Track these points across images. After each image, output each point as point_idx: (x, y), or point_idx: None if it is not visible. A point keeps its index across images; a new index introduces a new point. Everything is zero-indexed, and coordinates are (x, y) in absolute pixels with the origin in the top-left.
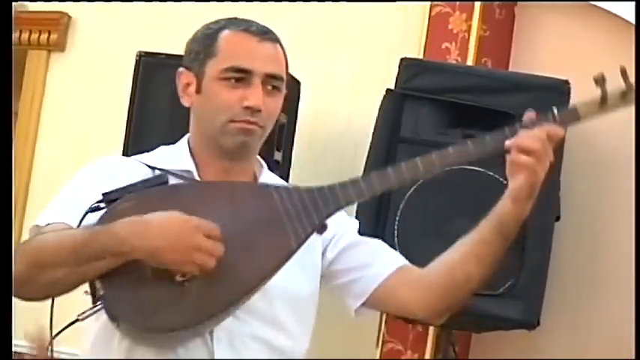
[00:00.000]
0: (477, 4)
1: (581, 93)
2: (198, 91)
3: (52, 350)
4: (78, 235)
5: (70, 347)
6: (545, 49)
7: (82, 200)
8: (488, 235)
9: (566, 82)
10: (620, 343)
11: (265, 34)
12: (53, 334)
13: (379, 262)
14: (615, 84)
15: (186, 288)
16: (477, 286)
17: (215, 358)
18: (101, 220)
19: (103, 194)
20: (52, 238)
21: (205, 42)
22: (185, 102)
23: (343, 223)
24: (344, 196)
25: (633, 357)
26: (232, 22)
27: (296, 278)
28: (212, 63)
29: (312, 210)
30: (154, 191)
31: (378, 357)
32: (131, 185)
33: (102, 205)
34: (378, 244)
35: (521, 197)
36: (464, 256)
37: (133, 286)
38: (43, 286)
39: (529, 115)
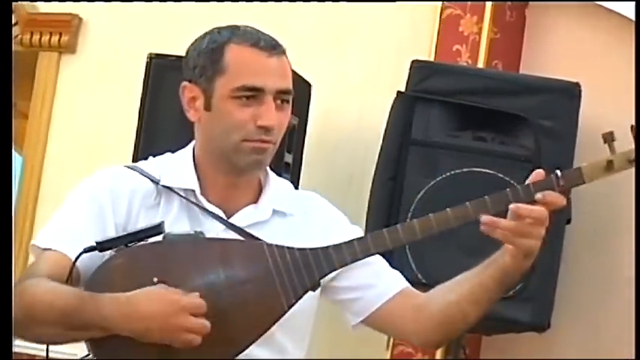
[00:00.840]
0: (488, 6)
1: (592, 95)
2: (207, 108)
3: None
4: (68, 301)
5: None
6: (556, 51)
7: (83, 225)
8: (487, 280)
9: (577, 85)
10: (630, 346)
11: (274, 50)
12: None
13: (381, 284)
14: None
15: (177, 349)
16: (473, 322)
17: None
18: (91, 279)
19: (97, 242)
20: (45, 297)
21: (212, 57)
22: (192, 117)
23: (346, 237)
24: (338, 258)
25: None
26: (237, 34)
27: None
28: (222, 81)
29: (304, 271)
30: (145, 248)
31: (389, 358)
32: (125, 236)
33: (96, 247)
34: (380, 264)
35: (521, 258)
36: (462, 297)
37: (122, 347)
38: (36, 337)
39: (535, 175)
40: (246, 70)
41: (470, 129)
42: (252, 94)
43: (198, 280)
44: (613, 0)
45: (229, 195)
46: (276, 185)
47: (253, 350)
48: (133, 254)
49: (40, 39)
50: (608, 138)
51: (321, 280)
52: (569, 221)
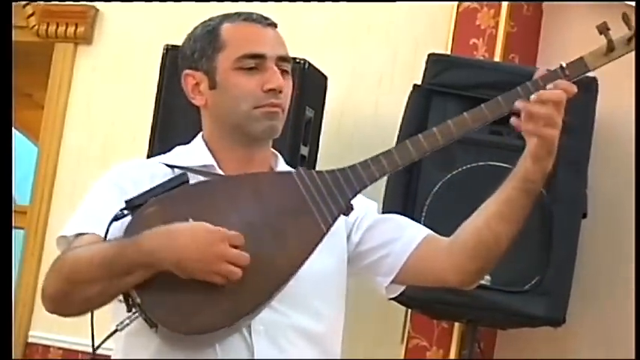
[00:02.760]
0: (505, 1)
1: (609, 90)
2: (212, 86)
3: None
4: (107, 250)
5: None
6: (572, 45)
7: (109, 207)
8: (513, 192)
9: (594, 79)
10: None
11: (266, 20)
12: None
13: (404, 235)
14: None
15: (221, 287)
16: (506, 245)
17: (254, 351)
18: (128, 229)
19: (125, 201)
20: (83, 255)
21: (208, 38)
22: (198, 102)
23: (363, 206)
24: (367, 174)
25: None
26: (229, 16)
27: (324, 261)
28: (223, 55)
29: (336, 192)
30: (176, 192)
31: (403, 353)
32: (153, 189)
33: (126, 212)
34: (400, 218)
35: (542, 154)
36: (490, 217)
37: (168, 291)
38: (80, 302)
39: (540, 71)
40: (245, 40)
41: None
42: (255, 62)
43: (234, 217)
44: None
45: (245, 169)
46: (287, 168)
47: (292, 316)
48: (165, 200)
49: (57, 30)
50: (603, 28)
51: (347, 251)
52: (585, 215)
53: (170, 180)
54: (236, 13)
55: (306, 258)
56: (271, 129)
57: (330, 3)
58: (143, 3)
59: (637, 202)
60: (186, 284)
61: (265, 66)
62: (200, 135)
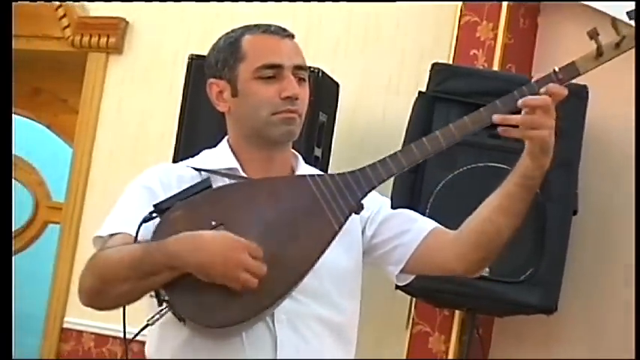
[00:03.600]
0: (503, 14)
1: (599, 97)
2: (234, 94)
3: (127, 351)
4: (136, 251)
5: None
6: (565, 56)
7: (139, 209)
8: (513, 188)
9: (585, 87)
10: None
11: (284, 32)
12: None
13: (414, 228)
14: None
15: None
16: (507, 236)
17: (277, 338)
18: (156, 231)
19: (154, 205)
20: (114, 255)
21: (230, 49)
22: (221, 108)
23: (377, 202)
24: (375, 176)
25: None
26: (249, 28)
27: (341, 257)
28: (244, 66)
29: (347, 193)
30: (200, 197)
31: (408, 338)
32: (179, 193)
33: (154, 215)
34: (410, 212)
35: (538, 152)
36: (493, 210)
37: (194, 289)
38: (113, 298)
39: (537, 77)
40: (264, 51)
41: (485, 127)
42: (273, 72)
43: (253, 218)
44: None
45: (267, 170)
46: (306, 168)
47: (313, 307)
48: (190, 205)
49: (90, 41)
50: (593, 33)
51: (362, 244)
52: (575, 213)
53: (194, 185)
54: (256, 25)
55: (321, 254)
56: (289, 133)
57: (343, 16)
58: (170, 15)
59: (637, 203)
60: (208, 285)
61: (282, 75)
62: (225, 139)
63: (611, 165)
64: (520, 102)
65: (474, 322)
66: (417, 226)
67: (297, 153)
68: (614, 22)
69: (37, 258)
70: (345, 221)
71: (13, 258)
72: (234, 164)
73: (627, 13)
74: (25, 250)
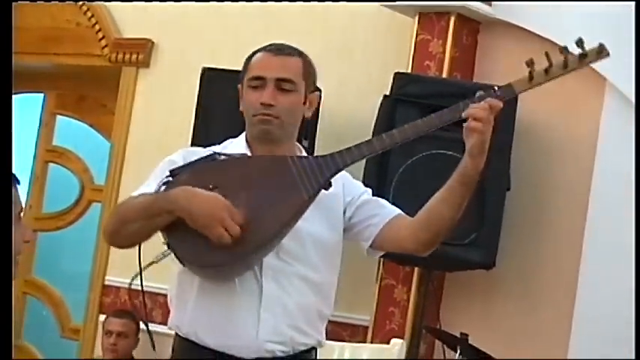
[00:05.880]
0: (450, 33)
1: (526, 97)
2: (241, 97)
3: (142, 281)
4: (147, 198)
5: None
6: (499, 66)
7: (161, 178)
8: (453, 184)
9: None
10: (559, 278)
11: (280, 51)
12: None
13: (382, 213)
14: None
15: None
16: (448, 223)
17: (263, 288)
18: (166, 188)
19: (169, 170)
20: (132, 202)
21: (245, 63)
22: (241, 107)
23: (359, 190)
24: (341, 160)
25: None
26: (263, 47)
27: (324, 231)
28: (245, 77)
29: (317, 172)
30: (205, 165)
31: (377, 290)
32: (190, 163)
33: (170, 178)
34: (382, 201)
35: (476, 153)
36: (438, 202)
37: (187, 235)
38: (126, 237)
39: (479, 92)
40: (256, 65)
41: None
42: (258, 82)
43: (241, 187)
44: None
45: None
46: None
47: (295, 266)
48: (195, 171)
49: (124, 57)
50: (530, 63)
51: (343, 222)
52: (508, 189)
53: (202, 157)
54: (268, 44)
55: (293, 221)
56: (265, 132)
57: (324, 36)
58: (188, 37)
59: (637, 202)
60: (197, 233)
61: (265, 85)
62: (245, 132)
63: (537, 150)
64: (465, 112)
65: (430, 276)
66: (385, 211)
67: (300, 146)
68: (547, 53)
69: (84, 230)
70: (315, 194)
71: (64, 230)
72: (247, 152)
73: (576, 41)
74: (74, 224)
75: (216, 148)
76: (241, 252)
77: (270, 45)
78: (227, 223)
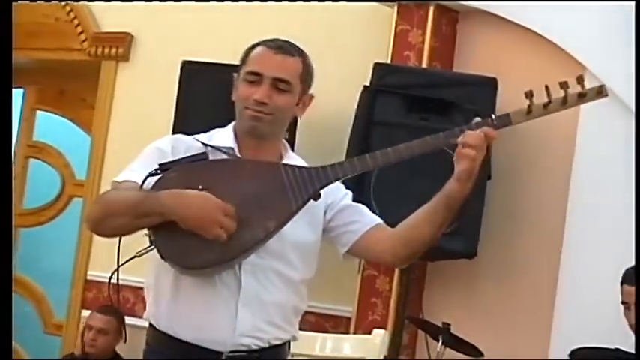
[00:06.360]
0: (429, 24)
1: (506, 87)
2: (235, 87)
3: (117, 276)
4: (136, 196)
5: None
6: (479, 54)
7: (149, 165)
8: (438, 206)
9: (494, 79)
10: (541, 266)
11: (280, 49)
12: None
13: (362, 220)
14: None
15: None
16: (427, 241)
17: (242, 283)
18: (154, 186)
19: (159, 164)
20: (119, 196)
21: (244, 55)
22: (233, 97)
23: (341, 193)
24: (333, 174)
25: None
26: (265, 41)
27: (303, 230)
28: (242, 69)
29: (308, 184)
30: (195, 165)
31: (359, 280)
32: (180, 159)
33: (158, 172)
34: (362, 208)
35: (464, 179)
36: (420, 221)
37: (174, 235)
38: (110, 228)
39: (476, 119)
40: (255, 60)
41: (417, 112)
42: (255, 78)
43: (233, 190)
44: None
45: (257, 155)
46: (293, 158)
47: (273, 263)
48: (184, 169)
49: (103, 51)
50: (528, 94)
51: (323, 223)
52: (489, 177)
53: (194, 155)
54: (268, 40)
55: (278, 229)
56: (254, 128)
57: (302, 28)
58: (166, 30)
59: (637, 201)
60: (187, 234)
61: (261, 82)
62: (233, 123)
63: (516, 140)
64: (459, 141)
65: (412, 266)
66: (364, 220)
67: (286, 143)
68: (547, 87)
69: (66, 225)
70: (303, 205)
71: (45, 226)
72: (233, 144)
73: (576, 78)
74: (55, 219)
75: (202, 137)
76: (229, 255)
77: (273, 41)
78: (221, 221)
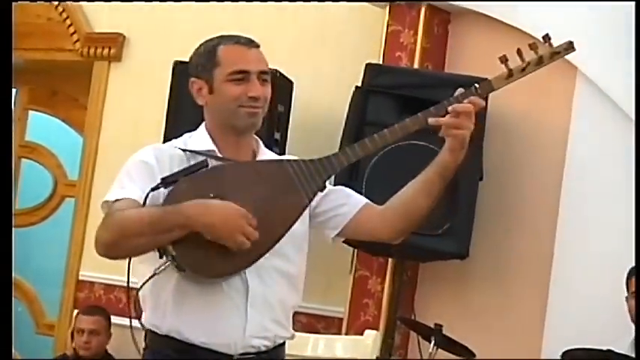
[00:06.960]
0: (421, 24)
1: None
2: (211, 92)
3: (129, 298)
4: (155, 212)
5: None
6: (470, 56)
7: (138, 179)
8: (432, 176)
9: (486, 80)
10: (533, 267)
11: (251, 43)
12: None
13: (350, 202)
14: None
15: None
16: (425, 212)
17: (248, 285)
18: (167, 199)
19: (161, 178)
20: (134, 215)
21: (208, 56)
22: (200, 102)
23: None
24: (337, 162)
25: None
26: (224, 38)
27: (296, 223)
28: (218, 70)
29: (316, 175)
30: (200, 174)
31: (351, 281)
32: (182, 170)
33: (161, 186)
34: (347, 189)
35: (458, 149)
36: (415, 191)
37: (196, 248)
38: (127, 250)
39: (459, 90)
40: (236, 59)
41: (409, 113)
42: (242, 76)
43: (243, 193)
44: None
45: (236, 152)
46: (265, 151)
47: (274, 261)
48: (193, 180)
49: (95, 52)
50: (503, 59)
51: (309, 210)
52: (481, 178)
53: (194, 164)
54: (229, 36)
55: (294, 222)
56: (253, 125)
57: (295, 27)
58: (158, 31)
59: (637, 200)
60: (208, 244)
61: (250, 79)
62: (203, 125)
63: (507, 143)
64: (450, 108)
65: (404, 267)
66: (352, 200)
67: (257, 138)
68: (520, 51)
69: (58, 225)
70: (314, 197)
71: (38, 226)
72: (212, 147)
73: (543, 37)
74: (48, 219)
75: (177, 143)
76: (250, 260)
77: (237, 37)
78: (245, 229)
